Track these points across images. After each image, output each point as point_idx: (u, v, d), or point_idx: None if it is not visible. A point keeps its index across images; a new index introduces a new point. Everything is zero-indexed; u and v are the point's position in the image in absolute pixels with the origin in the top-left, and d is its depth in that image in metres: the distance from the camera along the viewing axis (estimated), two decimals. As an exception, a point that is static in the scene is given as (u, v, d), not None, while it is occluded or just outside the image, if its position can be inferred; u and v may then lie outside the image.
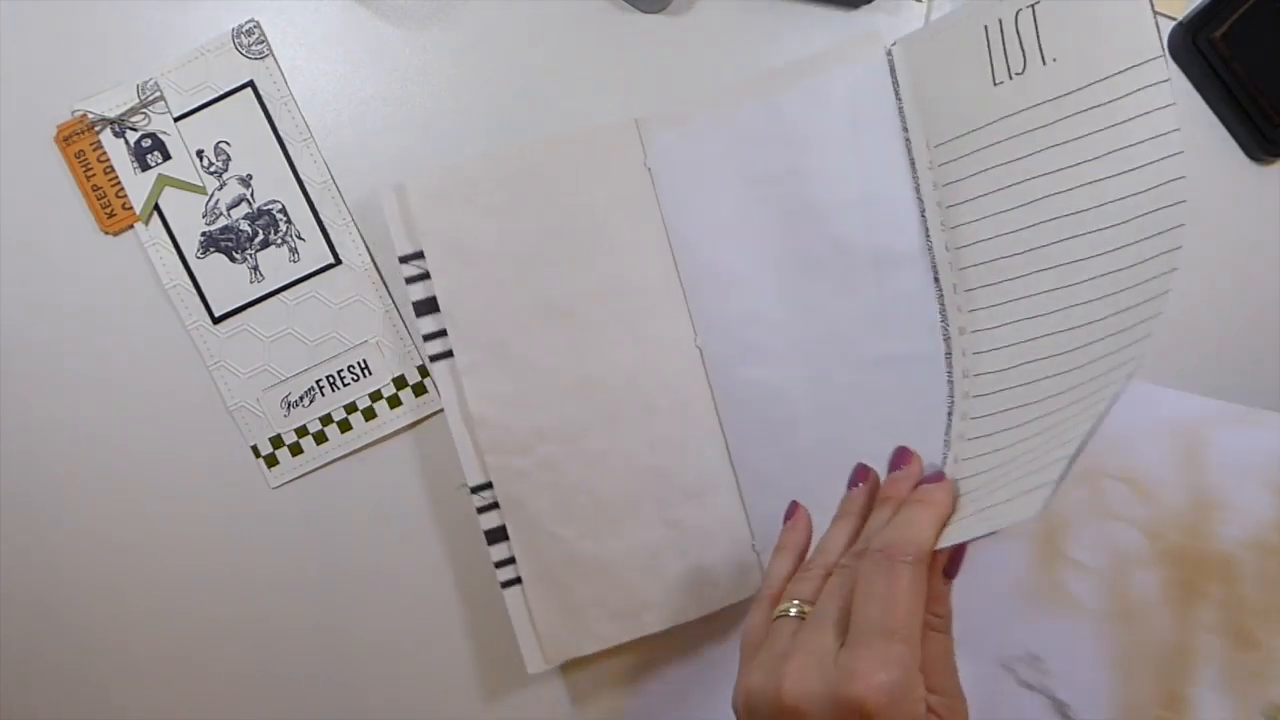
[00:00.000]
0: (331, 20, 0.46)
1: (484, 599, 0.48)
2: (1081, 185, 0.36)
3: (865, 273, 0.43)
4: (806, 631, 0.32)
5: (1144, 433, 0.44)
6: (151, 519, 0.47)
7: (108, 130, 0.45)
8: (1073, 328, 0.36)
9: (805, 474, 0.44)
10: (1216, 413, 0.43)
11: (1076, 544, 0.44)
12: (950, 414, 0.40)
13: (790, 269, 0.43)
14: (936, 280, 0.41)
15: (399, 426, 0.47)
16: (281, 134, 0.46)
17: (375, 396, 0.47)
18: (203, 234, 0.46)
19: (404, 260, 0.44)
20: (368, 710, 0.49)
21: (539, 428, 0.44)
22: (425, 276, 0.44)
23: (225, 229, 0.46)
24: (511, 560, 0.45)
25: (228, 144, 0.46)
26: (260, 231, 0.46)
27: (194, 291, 0.46)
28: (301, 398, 0.47)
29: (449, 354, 0.44)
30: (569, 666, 0.47)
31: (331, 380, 0.47)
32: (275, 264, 0.46)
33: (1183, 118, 0.47)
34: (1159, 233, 0.34)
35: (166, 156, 0.46)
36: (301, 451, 0.47)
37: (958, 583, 0.34)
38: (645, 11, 0.46)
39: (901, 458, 0.37)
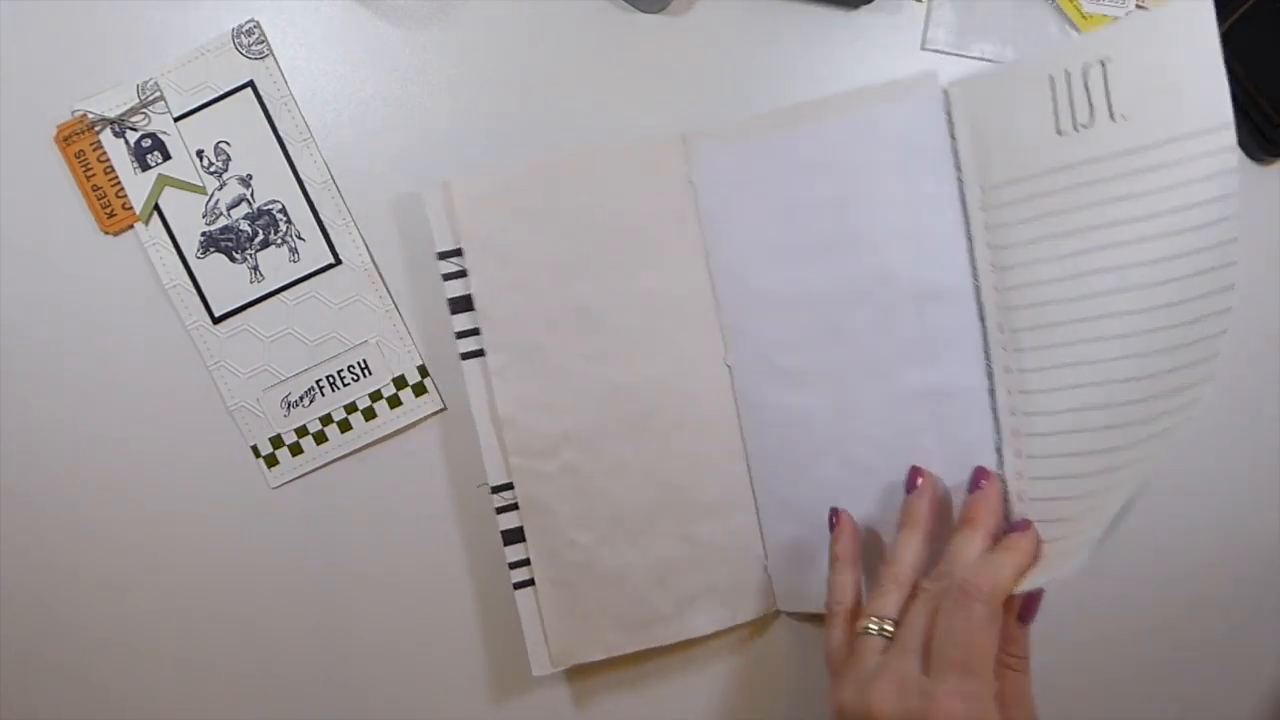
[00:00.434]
0: (331, 20, 0.46)
1: (484, 599, 0.48)
2: (1140, 240, 0.37)
3: (906, 305, 0.42)
4: (894, 655, 0.36)
5: None
6: (151, 519, 0.47)
7: (108, 130, 0.45)
8: (1128, 379, 0.37)
9: (826, 498, 0.44)
10: None
11: None
12: (1000, 450, 0.42)
13: (829, 296, 0.43)
14: (981, 318, 0.42)
15: (399, 426, 0.47)
16: (281, 134, 0.46)
17: (375, 396, 0.47)
18: (203, 234, 0.46)
19: (442, 256, 0.44)
20: (368, 710, 0.49)
21: (565, 432, 0.45)
22: (462, 274, 0.44)
23: (225, 229, 0.46)
24: (526, 562, 0.45)
25: (228, 144, 0.46)
26: (260, 231, 0.46)
27: (194, 291, 0.46)
28: (301, 398, 0.47)
29: (480, 353, 0.44)
30: (573, 670, 0.47)
31: (331, 380, 0.47)
32: (275, 264, 0.46)
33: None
34: (1212, 292, 0.36)
35: (166, 156, 0.46)
36: (301, 451, 0.47)
37: None
38: (645, 11, 0.46)
39: (983, 476, 0.40)
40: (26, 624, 0.48)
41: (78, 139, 0.45)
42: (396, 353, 0.47)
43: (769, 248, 0.44)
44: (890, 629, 0.37)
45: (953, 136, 0.41)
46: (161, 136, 0.46)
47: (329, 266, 0.46)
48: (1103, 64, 0.37)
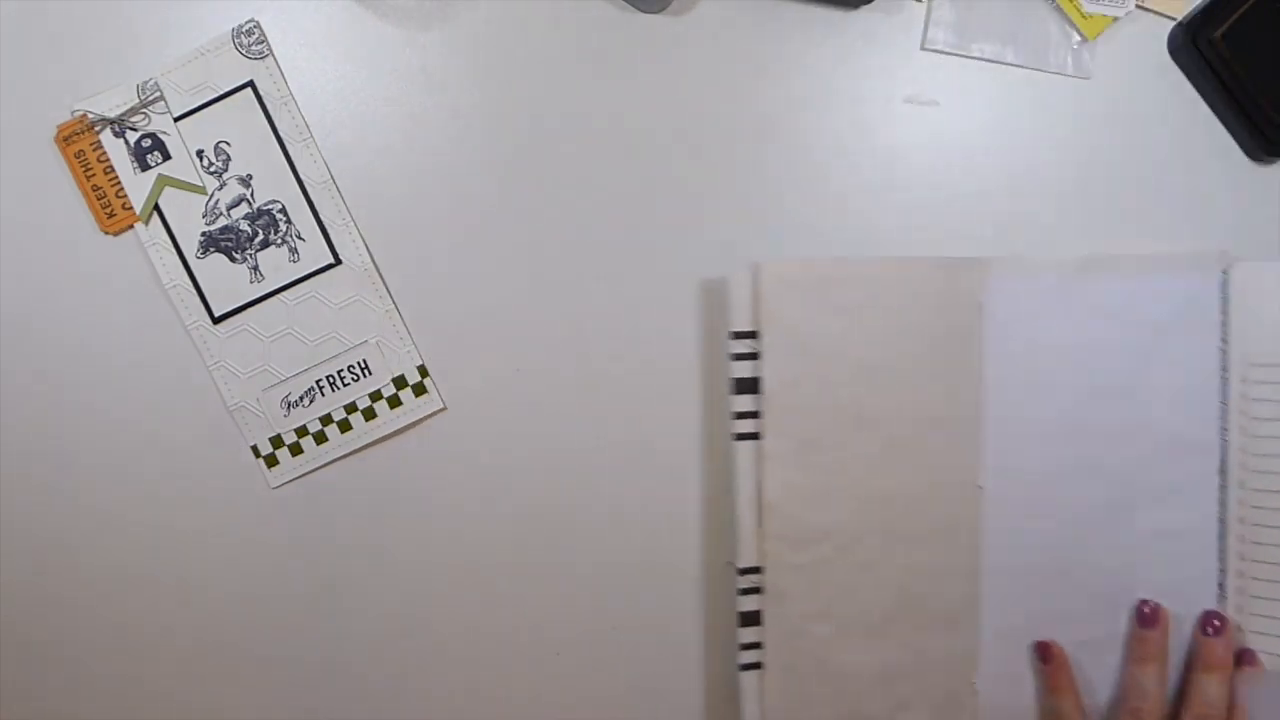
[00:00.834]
0: (331, 20, 0.46)
1: (480, 599, 0.48)
2: None
3: (1160, 451, 0.46)
4: None
5: None
6: (151, 519, 0.47)
7: (108, 130, 0.45)
8: None
9: (1052, 622, 0.47)
10: None
11: None
12: (1223, 587, 0.47)
13: (1093, 434, 0.46)
14: (1222, 471, 0.46)
15: (399, 426, 0.47)
16: (281, 134, 0.46)
17: (375, 396, 0.47)
18: (203, 234, 0.46)
19: (736, 336, 0.45)
20: (367, 710, 0.49)
21: (824, 527, 0.46)
22: (753, 356, 0.45)
23: (225, 229, 0.46)
24: (757, 645, 0.46)
25: (228, 144, 0.46)
26: (260, 231, 0.46)
27: (194, 291, 0.46)
28: (301, 398, 0.47)
29: (755, 435, 0.45)
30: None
31: (331, 380, 0.47)
32: (275, 264, 0.46)
33: (1183, 118, 0.47)
34: None
35: (166, 156, 0.46)
36: (301, 451, 0.47)
37: None
38: (645, 11, 0.46)
39: (1216, 618, 0.45)
40: (26, 623, 0.48)
41: (78, 139, 0.45)
42: (396, 353, 0.47)
43: (1047, 381, 0.46)
44: None
45: (1224, 311, 0.46)
46: (161, 136, 0.46)
47: (329, 266, 0.46)
48: None
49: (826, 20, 0.47)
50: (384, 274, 0.47)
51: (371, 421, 0.47)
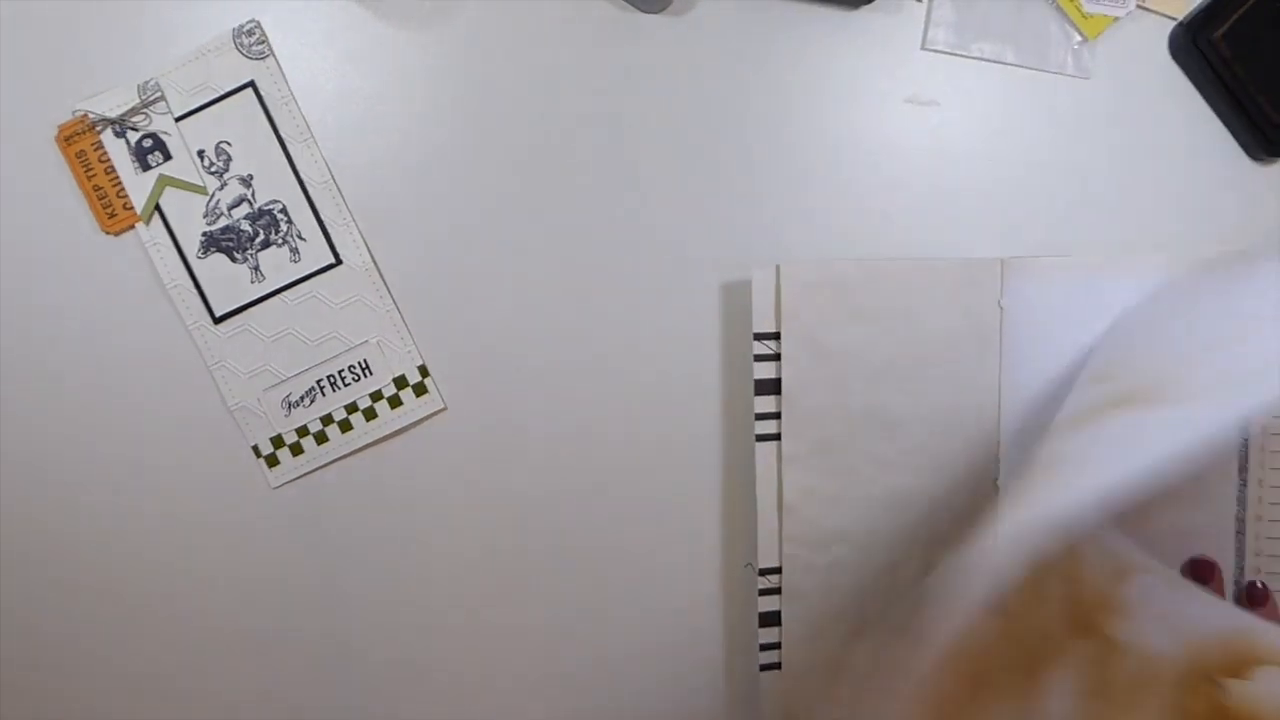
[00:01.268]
0: (332, 20, 0.46)
1: (481, 599, 0.48)
2: None
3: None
4: None
5: None
6: (151, 519, 0.47)
7: (109, 130, 0.45)
8: None
9: None
10: None
11: None
12: (1238, 582, 0.46)
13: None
14: (1242, 469, 0.47)
15: (400, 426, 0.47)
16: (282, 134, 0.46)
17: (376, 396, 0.47)
18: (203, 234, 0.46)
19: (759, 338, 0.45)
20: (366, 710, 0.49)
21: (841, 529, 0.46)
22: (775, 358, 0.45)
23: (226, 229, 0.46)
24: (777, 645, 0.46)
25: (228, 144, 0.46)
26: (261, 231, 0.46)
27: (195, 291, 0.46)
28: (302, 398, 0.47)
29: (776, 437, 0.45)
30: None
31: (332, 380, 0.47)
32: (276, 264, 0.46)
33: (1183, 118, 0.47)
34: None
35: (167, 156, 0.46)
36: (302, 451, 0.47)
37: None
38: (645, 11, 0.46)
39: (1209, 570, 0.45)
40: (25, 623, 0.48)
41: (79, 139, 0.45)
42: (397, 353, 0.47)
43: (1066, 380, 0.46)
44: None
45: None
46: (162, 136, 0.46)
47: (329, 266, 0.46)
48: None
49: (826, 20, 0.47)
50: (385, 274, 0.47)
51: (372, 421, 0.47)
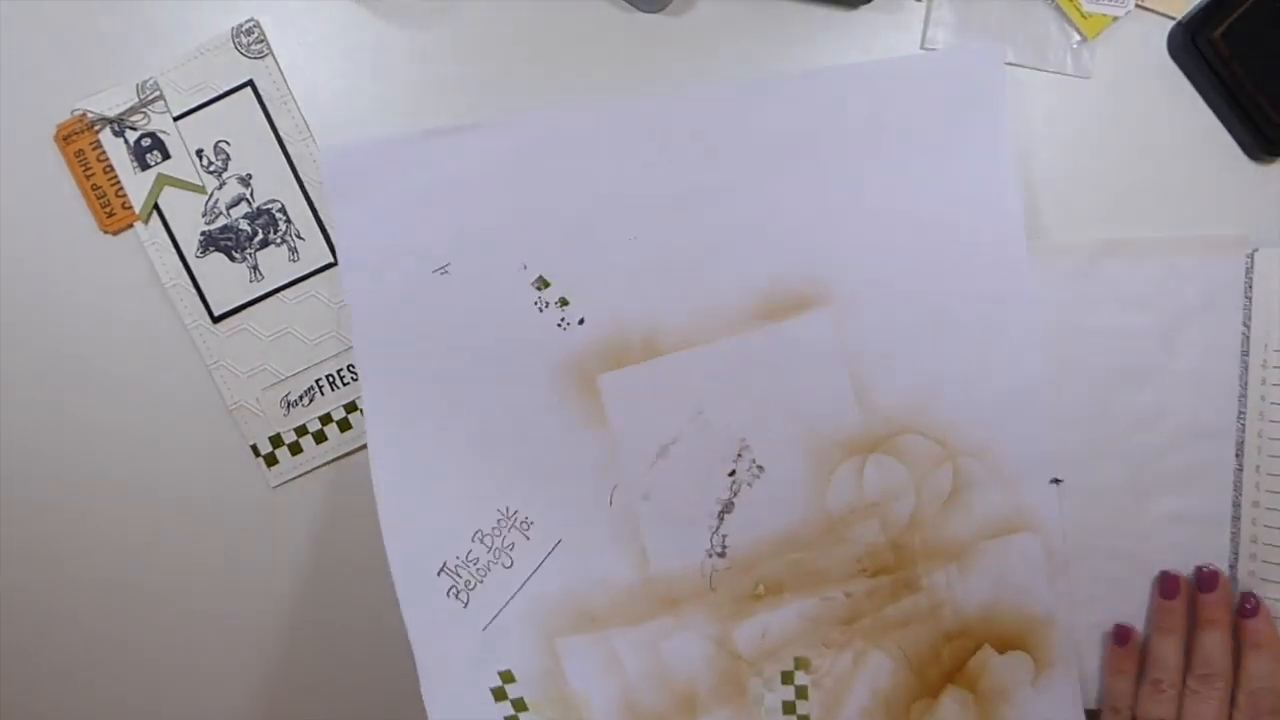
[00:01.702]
0: (331, 20, 0.46)
1: (484, 598, 0.48)
2: None
3: (1179, 438, 0.46)
4: None
5: None
6: (151, 518, 0.47)
7: (107, 129, 0.45)
8: None
9: (1080, 608, 0.47)
10: None
11: None
12: (1234, 569, 0.46)
13: (1109, 417, 0.46)
14: (1238, 455, 0.46)
15: (399, 426, 0.47)
16: (281, 133, 0.46)
17: (375, 396, 0.47)
18: (202, 233, 0.46)
19: None
20: (366, 710, 0.49)
21: None
22: None
23: (225, 228, 0.46)
24: None
25: (227, 143, 0.46)
26: (260, 231, 0.46)
27: (193, 291, 0.46)
28: (301, 397, 0.47)
29: None
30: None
31: (331, 379, 0.47)
32: (275, 263, 0.46)
33: (1182, 118, 0.47)
34: None
35: (166, 156, 0.46)
36: (301, 451, 0.47)
37: None
38: (645, 11, 0.46)
39: (1213, 577, 0.45)
40: (26, 623, 0.48)
41: (77, 138, 0.45)
42: (396, 352, 0.47)
43: (1067, 365, 0.46)
44: None
45: (1248, 296, 0.46)
46: (161, 136, 0.46)
47: (328, 266, 0.46)
48: None
49: (826, 20, 0.47)
50: (384, 273, 0.47)
51: (371, 421, 0.47)
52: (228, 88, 0.46)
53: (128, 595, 0.48)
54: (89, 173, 0.45)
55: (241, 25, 0.45)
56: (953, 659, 0.46)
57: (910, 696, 0.46)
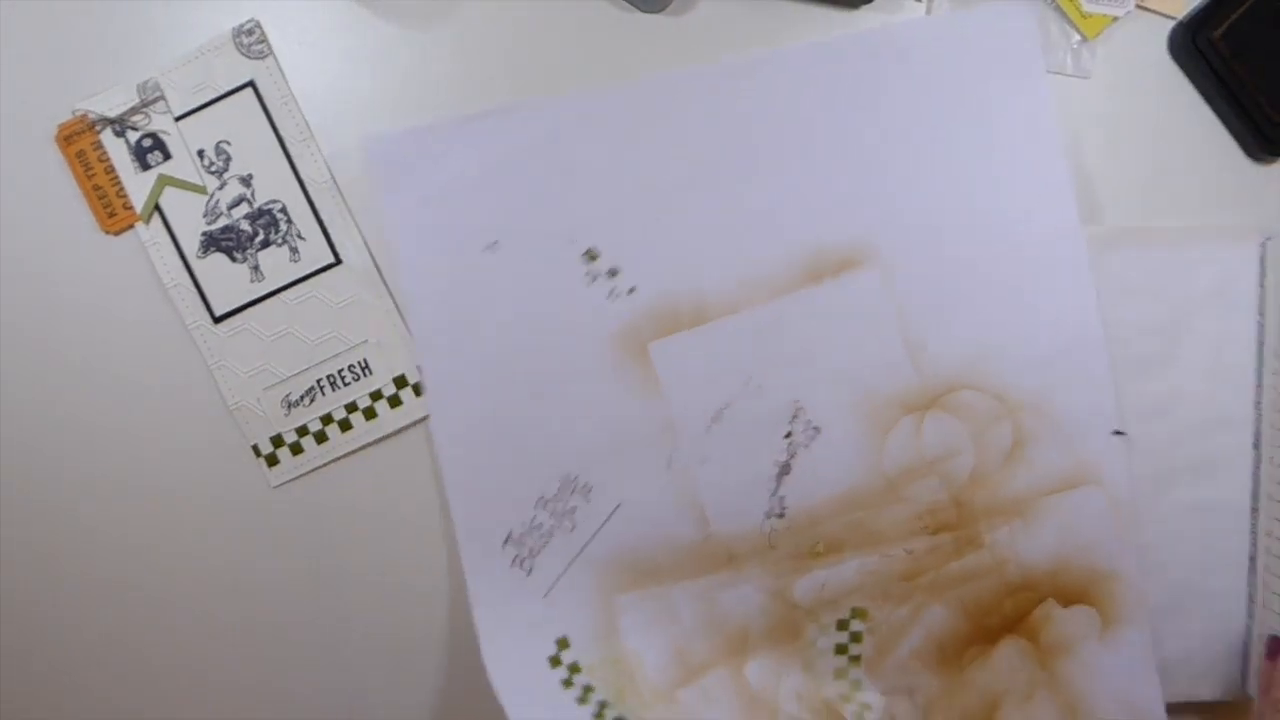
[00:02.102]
0: (332, 20, 0.46)
1: (484, 598, 0.48)
2: None
3: (1195, 426, 0.46)
4: None
5: None
6: (151, 519, 0.47)
7: (108, 130, 0.45)
8: None
9: None
10: None
11: None
12: (1253, 560, 0.46)
13: (1125, 407, 0.46)
14: (1256, 446, 0.46)
15: (400, 426, 0.47)
16: (282, 134, 0.46)
17: (376, 396, 0.47)
18: (203, 233, 0.46)
19: None
20: (367, 711, 0.49)
21: None
22: None
23: (226, 228, 0.46)
24: None
25: (228, 144, 0.46)
26: (261, 231, 0.46)
27: (194, 291, 0.46)
28: (302, 397, 0.47)
29: None
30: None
31: (332, 380, 0.47)
32: (276, 264, 0.46)
33: (1183, 118, 0.47)
34: None
35: (167, 156, 0.46)
36: (302, 451, 0.47)
37: None
38: (645, 11, 0.46)
39: None
40: (25, 623, 0.48)
41: (78, 138, 0.45)
42: (397, 352, 0.47)
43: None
44: None
45: (1262, 285, 0.45)
46: (162, 136, 0.46)
47: (329, 266, 0.46)
48: None
49: (826, 20, 0.47)
50: (384, 274, 0.47)
51: (372, 421, 0.47)
52: (229, 88, 0.46)
53: (128, 595, 0.48)
54: (90, 173, 0.46)
55: (242, 25, 0.45)
56: (1015, 610, 0.46)
57: (965, 642, 0.46)
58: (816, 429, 0.45)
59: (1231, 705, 0.47)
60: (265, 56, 0.46)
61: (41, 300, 0.46)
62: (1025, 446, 0.46)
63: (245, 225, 0.46)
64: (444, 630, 0.48)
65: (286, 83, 0.46)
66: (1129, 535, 0.45)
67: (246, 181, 0.46)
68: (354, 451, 0.47)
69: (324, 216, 0.46)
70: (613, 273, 0.45)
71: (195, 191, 0.46)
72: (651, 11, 0.46)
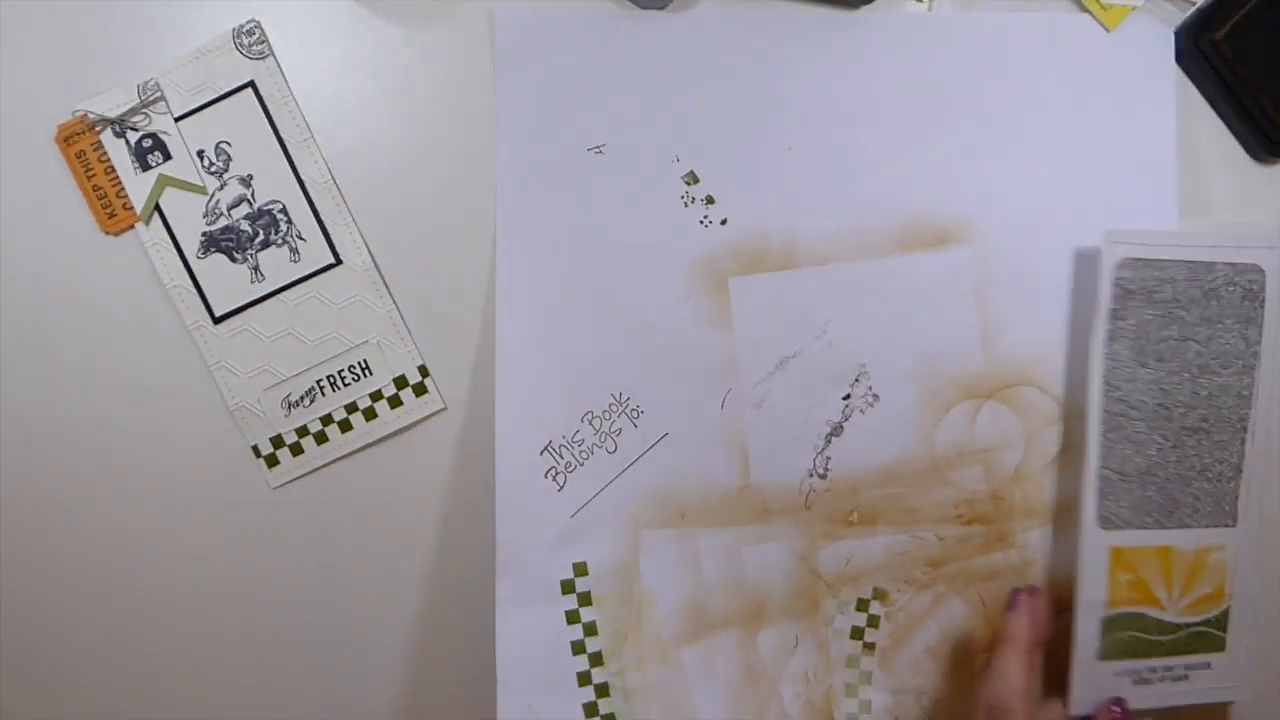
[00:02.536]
0: (332, 20, 0.46)
1: (482, 599, 0.48)
2: None
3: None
4: None
5: None
6: (151, 519, 0.47)
7: (108, 130, 0.45)
8: None
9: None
10: None
11: None
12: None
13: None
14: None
15: (400, 426, 0.47)
16: (282, 134, 0.46)
17: (376, 396, 0.47)
18: (203, 234, 0.46)
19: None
20: (367, 711, 0.49)
21: None
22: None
23: (226, 229, 0.46)
24: None
25: (228, 144, 0.46)
26: (261, 231, 0.46)
27: (194, 291, 0.46)
28: (302, 398, 0.47)
29: None
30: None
31: (332, 380, 0.47)
32: (276, 264, 0.46)
33: (1185, 119, 0.47)
34: None
35: (167, 156, 0.46)
36: (302, 451, 0.47)
37: None
38: (645, 9, 0.46)
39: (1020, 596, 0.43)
40: (25, 623, 0.48)
41: (78, 139, 0.45)
42: (397, 353, 0.47)
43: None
44: None
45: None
46: (162, 136, 0.46)
47: (329, 266, 0.46)
48: None
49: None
50: (385, 274, 0.47)
51: (372, 421, 0.47)
52: (229, 88, 0.46)
53: (128, 595, 0.48)
54: (90, 173, 0.46)
55: (242, 26, 0.45)
56: None
57: (980, 646, 0.46)
58: (876, 396, 0.45)
59: (1221, 708, 0.47)
60: (265, 57, 0.46)
61: (42, 301, 0.46)
62: (1072, 455, 0.45)
63: (245, 226, 0.46)
64: (444, 630, 0.48)
65: (286, 83, 0.46)
66: None
67: (246, 182, 0.46)
68: (354, 452, 0.47)
69: (324, 217, 0.46)
70: (709, 200, 0.45)
71: (195, 192, 0.46)
72: (652, 8, 0.46)
